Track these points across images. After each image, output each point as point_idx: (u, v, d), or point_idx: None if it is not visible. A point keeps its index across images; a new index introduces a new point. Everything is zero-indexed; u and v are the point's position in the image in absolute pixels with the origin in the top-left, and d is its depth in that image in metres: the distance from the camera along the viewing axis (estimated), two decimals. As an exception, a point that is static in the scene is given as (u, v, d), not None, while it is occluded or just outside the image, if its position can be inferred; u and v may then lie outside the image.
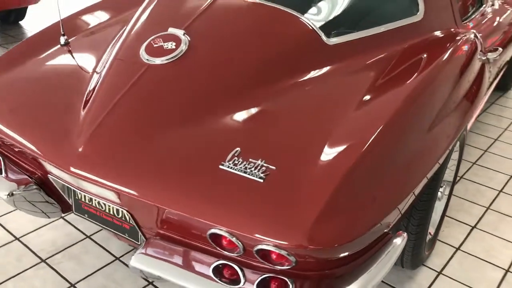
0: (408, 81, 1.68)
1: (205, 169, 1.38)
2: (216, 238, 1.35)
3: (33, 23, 5.33)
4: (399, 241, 1.46)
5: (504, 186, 2.80)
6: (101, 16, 2.25)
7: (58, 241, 2.25)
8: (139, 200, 1.39)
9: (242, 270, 1.35)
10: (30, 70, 1.91)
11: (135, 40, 1.77)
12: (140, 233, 1.57)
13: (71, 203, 1.73)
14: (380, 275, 1.36)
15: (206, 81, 1.62)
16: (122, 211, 1.56)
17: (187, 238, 1.43)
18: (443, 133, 1.73)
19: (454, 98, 1.85)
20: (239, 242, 1.30)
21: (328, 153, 1.39)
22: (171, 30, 1.73)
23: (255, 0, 1.87)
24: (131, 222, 1.57)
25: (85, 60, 1.92)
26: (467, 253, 2.28)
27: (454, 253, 2.28)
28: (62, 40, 2.03)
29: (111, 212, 1.61)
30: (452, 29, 2.22)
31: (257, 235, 1.25)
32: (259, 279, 1.32)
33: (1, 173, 1.78)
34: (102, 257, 2.16)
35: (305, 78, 1.69)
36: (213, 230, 1.30)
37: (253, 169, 1.35)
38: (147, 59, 1.67)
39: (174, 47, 1.68)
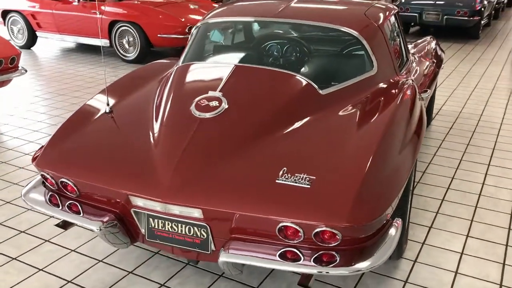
0: (382, 114, 2.39)
1: (267, 184, 1.95)
2: (282, 231, 1.90)
3: (-3, 104, 5.62)
4: (399, 224, 2.09)
5: (444, 195, 3.57)
6: (130, 86, 2.79)
7: (106, 279, 2.62)
8: (222, 212, 1.92)
9: (300, 252, 1.90)
10: (90, 133, 2.39)
11: (182, 102, 2.34)
12: (211, 243, 2.07)
13: (144, 232, 2.19)
14: (394, 243, 1.97)
15: (247, 126, 2.22)
16: (195, 228, 2.06)
17: (255, 235, 1.96)
18: (410, 151, 2.40)
19: (410, 127, 2.54)
20: (302, 230, 1.86)
21: (346, 164, 2.02)
22: (211, 93, 2.33)
23: (264, 67, 2.53)
24: (202, 236, 2.07)
25: (134, 120, 2.44)
26: (431, 245, 2.96)
27: (421, 246, 2.94)
28: (107, 109, 2.54)
29: (183, 232, 2.10)
30: (393, 79, 3.00)
31: (316, 222, 1.82)
32: (316, 255, 1.88)
33: (80, 214, 2.21)
34: (148, 285, 2.57)
35: (313, 117, 2.34)
36: (282, 224, 1.86)
37: (300, 180, 1.94)
38: (199, 115, 2.25)
39: (217, 104, 2.27)
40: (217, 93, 2.33)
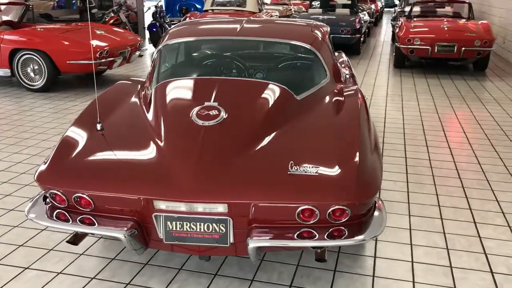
0: (350, 113, 2.81)
1: (280, 176, 2.24)
2: (299, 214, 2.19)
3: None
4: (381, 204, 2.50)
5: (381, 185, 4.11)
6: (108, 106, 2.90)
7: (105, 293, 2.68)
8: (246, 203, 2.15)
9: (315, 230, 2.21)
10: (91, 149, 2.47)
11: (181, 113, 2.55)
12: (230, 236, 2.28)
13: (161, 236, 2.33)
14: (384, 216, 2.36)
15: (248, 129, 2.50)
16: (213, 224, 2.26)
17: (273, 222, 2.23)
18: (376, 140, 2.83)
19: (369, 121, 2.97)
20: (317, 210, 2.17)
21: (340, 154, 2.39)
22: (207, 103, 2.57)
23: (245, 79, 2.82)
24: (221, 231, 2.28)
25: (130, 134, 2.57)
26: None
27: (377, 228, 3.40)
28: (99, 126, 2.63)
29: (202, 230, 2.29)
30: (341, 85, 3.47)
31: (330, 202, 2.15)
32: (328, 231, 2.20)
33: (94, 224, 2.30)
34: (151, 292, 2.68)
35: (296, 119, 2.69)
36: (302, 207, 2.15)
37: (308, 169, 2.26)
38: (202, 123, 2.47)
39: (217, 113, 2.52)
40: (213, 103, 2.57)
